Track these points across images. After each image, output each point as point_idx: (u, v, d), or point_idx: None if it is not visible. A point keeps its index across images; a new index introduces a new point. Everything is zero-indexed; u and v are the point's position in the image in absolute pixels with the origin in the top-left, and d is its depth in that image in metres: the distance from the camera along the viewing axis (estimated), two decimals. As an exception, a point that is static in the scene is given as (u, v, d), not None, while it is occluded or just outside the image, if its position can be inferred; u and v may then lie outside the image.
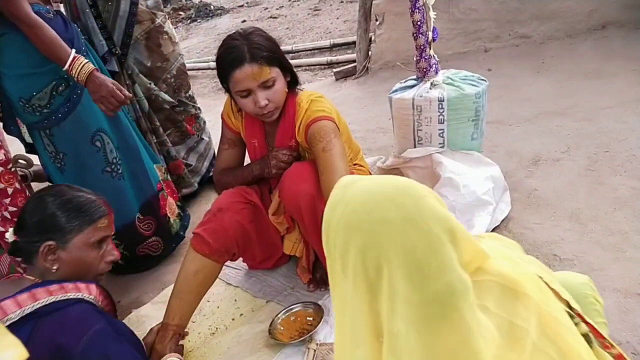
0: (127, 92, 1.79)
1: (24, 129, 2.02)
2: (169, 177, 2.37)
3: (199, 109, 2.69)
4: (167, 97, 2.42)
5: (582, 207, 2.07)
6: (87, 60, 1.73)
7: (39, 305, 1.20)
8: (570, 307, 0.88)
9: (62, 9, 2.19)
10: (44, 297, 1.22)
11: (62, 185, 1.43)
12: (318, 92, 1.77)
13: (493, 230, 2.00)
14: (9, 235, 1.31)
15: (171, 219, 2.28)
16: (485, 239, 0.98)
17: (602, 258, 1.80)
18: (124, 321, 1.93)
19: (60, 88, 1.84)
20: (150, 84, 2.35)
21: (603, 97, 2.87)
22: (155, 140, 2.44)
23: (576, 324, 0.85)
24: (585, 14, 3.64)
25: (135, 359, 1.27)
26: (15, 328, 1.16)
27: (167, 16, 2.42)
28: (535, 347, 0.75)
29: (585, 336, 0.85)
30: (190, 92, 2.58)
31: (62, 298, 1.24)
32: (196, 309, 1.76)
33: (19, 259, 1.38)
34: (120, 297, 2.14)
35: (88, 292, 1.31)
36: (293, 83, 1.70)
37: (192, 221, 2.48)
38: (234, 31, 1.63)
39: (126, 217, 2.08)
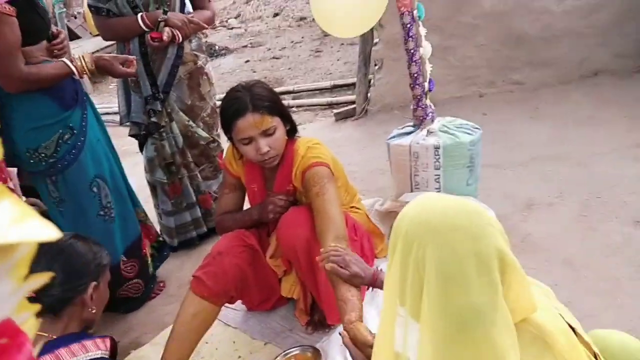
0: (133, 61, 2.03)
1: None
2: (148, 220, 2.46)
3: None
4: (203, 134, 2.54)
5: (576, 252, 2.12)
6: (80, 55, 1.90)
7: None
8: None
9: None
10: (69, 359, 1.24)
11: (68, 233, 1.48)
12: (315, 138, 1.87)
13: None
14: None
15: (149, 260, 2.35)
16: None
17: (595, 305, 1.83)
18: (122, 362, 1.96)
19: (66, 137, 1.95)
20: (188, 121, 2.48)
21: (595, 143, 2.95)
22: (186, 175, 2.55)
23: None
24: (577, 62, 3.76)
25: None
26: None
27: (207, 58, 2.58)
28: None
29: None
30: (219, 130, 2.69)
31: (85, 359, 1.26)
32: (194, 351, 1.79)
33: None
34: (120, 337, 2.16)
35: (104, 346, 1.34)
36: (292, 131, 1.80)
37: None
38: (237, 84, 1.75)
39: (112, 260, 2.13)
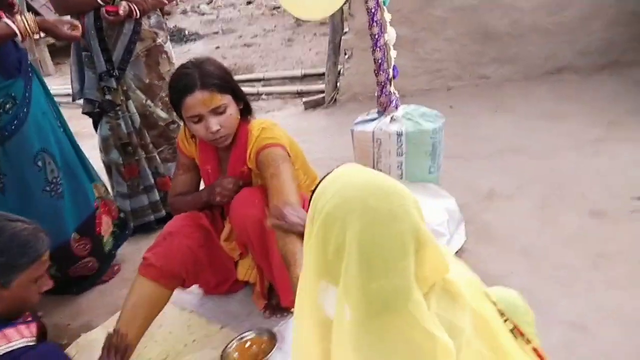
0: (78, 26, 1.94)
1: None
2: (109, 195, 2.38)
3: None
4: (162, 114, 2.46)
5: (533, 242, 2.15)
6: (22, 17, 1.79)
7: None
8: (496, 306, 0.98)
9: None
10: None
11: None
12: (270, 120, 1.83)
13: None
14: None
15: (104, 238, 2.27)
16: None
17: (550, 292, 1.86)
18: (72, 345, 1.89)
19: (7, 106, 1.86)
20: (146, 100, 2.40)
21: (556, 137, 3.00)
22: (144, 156, 2.47)
23: (504, 321, 0.97)
24: (542, 59, 3.83)
25: None
26: None
27: (167, 36, 2.51)
28: (468, 344, 0.84)
29: (511, 331, 0.98)
30: None
31: (6, 350, 1.17)
32: (148, 334, 1.73)
33: None
34: (70, 320, 2.09)
35: (30, 333, 1.25)
36: (246, 111, 1.75)
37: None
38: (186, 61, 1.68)
39: (61, 238, 2.06)
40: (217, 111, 1.61)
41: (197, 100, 1.57)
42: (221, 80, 1.62)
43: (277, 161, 1.63)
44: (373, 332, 0.80)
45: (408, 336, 0.79)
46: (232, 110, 1.65)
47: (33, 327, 1.28)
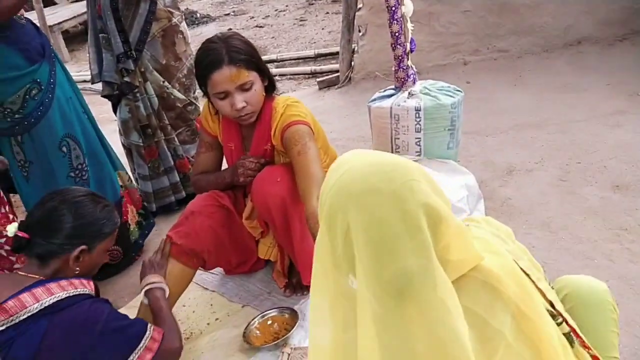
0: None
1: None
2: (133, 183, 2.40)
3: None
4: (180, 95, 2.47)
5: (554, 215, 2.13)
6: None
7: (54, 300, 1.26)
8: (552, 307, 0.90)
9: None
10: (59, 292, 1.28)
11: (78, 188, 1.52)
12: (294, 97, 1.80)
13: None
14: (11, 230, 1.34)
15: (131, 226, 2.29)
16: (481, 223, 1.01)
17: (571, 265, 1.84)
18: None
19: (34, 92, 1.86)
20: (163, 81, 2.41)
21: (576, 110, 2.95)
22: (163, 138, 2.49)
23: (559, 324, 0.88)
24: (561, 30, 3.74)
25: (141, 323, 1.39)
26: (32, 321, 1.23)
27: (183, 16, 2.50)
28: (508, 349, 0.77)
29: (567, 335, 0.89)
30: (196, 93, 2.62)
31: (74, 293, 1.31)
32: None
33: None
34: None
35: (90, 287, 1.39)
36: (270, 87, 1.73)
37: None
38: (212, 35, 1.66)
39: None
40: (244, 87, 1.59)
41: (224, 76, 1.56)
42: (248, 55, 1.60)
43: (304, 138, 1.62)
44: (397, 324, 0.74)
45: (431, 329, 0.72)
46: (258, 86, 1.63)
47: (92, 284, 1.43)
